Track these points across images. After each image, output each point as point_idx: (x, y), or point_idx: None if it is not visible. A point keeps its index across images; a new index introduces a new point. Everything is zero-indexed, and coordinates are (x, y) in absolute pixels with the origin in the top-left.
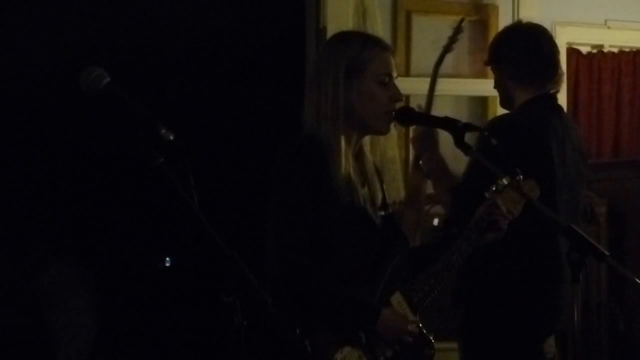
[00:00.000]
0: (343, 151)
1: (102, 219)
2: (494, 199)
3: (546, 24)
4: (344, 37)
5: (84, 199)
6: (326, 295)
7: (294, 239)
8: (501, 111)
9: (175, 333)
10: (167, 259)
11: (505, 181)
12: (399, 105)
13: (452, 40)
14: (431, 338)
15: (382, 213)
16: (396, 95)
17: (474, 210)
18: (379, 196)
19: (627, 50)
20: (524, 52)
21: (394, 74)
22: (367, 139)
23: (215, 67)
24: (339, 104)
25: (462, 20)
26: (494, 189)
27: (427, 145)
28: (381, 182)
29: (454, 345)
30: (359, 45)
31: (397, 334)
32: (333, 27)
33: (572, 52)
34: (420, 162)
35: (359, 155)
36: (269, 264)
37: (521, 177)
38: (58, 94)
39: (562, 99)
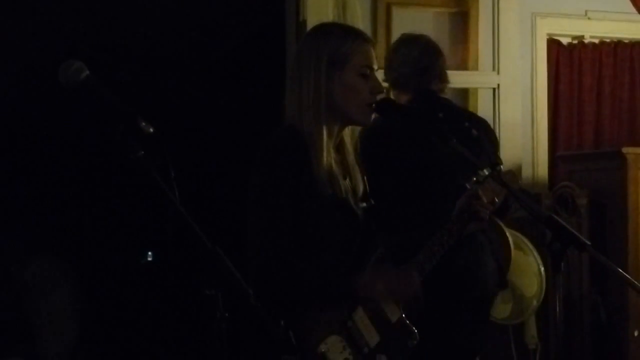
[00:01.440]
0: (325, 143)
1: (83, 214)
2: (475, 190)
3: (526, 15)
4: (325, 29)
5: (64, 193)
6: (304, 286)
7: (272, 232)
8: (483, 103)
9: (157, 327)
10: (149, 253)
11: (486, 172)
12: (379, 97)
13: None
14: (414, 329)
15: (364, 204)
16: (377, 87)
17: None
18: (361, 188)
19: (607, 41)
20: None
21: (375, 67)
22: (347, 131)
23: (195, 60)
24: (320, 96)
25: None
26: (475, 179)
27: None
28: (362, 174)
29: None
30: (341, 37)
31: (384, 285)
32: (313, 20)
33: (553, 43)
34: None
35: (340, 147)
36: (249, 256)
37: (501, 167)
38: (36, 88)
39: (543, 90)
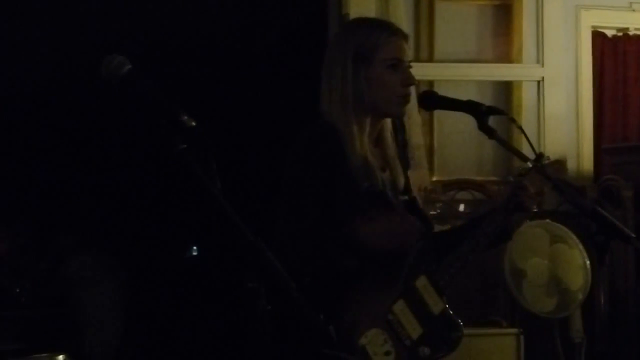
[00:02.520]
0: (356, 136)
1: (127, 209)
2: (521, 181)
3: (570, 7)
4: (353, 24)
5: (107, 189)
6: (338, 280)
7: (306, 227)
8: (527, 96)
9: (200, 321)
10: (193, 247)
11: (529, 164)
12: (410, 89)
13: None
14: (459, 321)
15: (405, 197)
16: (408, 79)
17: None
18: (401, 181)
19: None
20: None
21: (405, 59)
22: (388, 124)
23: (237, 55)
24: (347, 91)
25: None
26: (518, 172)
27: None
28: (404, 167)
29: (481, 330)
30: (367, 31)
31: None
32: (355, 13)
33: (597, 35)
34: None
35: (379, 141)
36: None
37: (547, 159)
38: (79, 83)
39: (588, 82)
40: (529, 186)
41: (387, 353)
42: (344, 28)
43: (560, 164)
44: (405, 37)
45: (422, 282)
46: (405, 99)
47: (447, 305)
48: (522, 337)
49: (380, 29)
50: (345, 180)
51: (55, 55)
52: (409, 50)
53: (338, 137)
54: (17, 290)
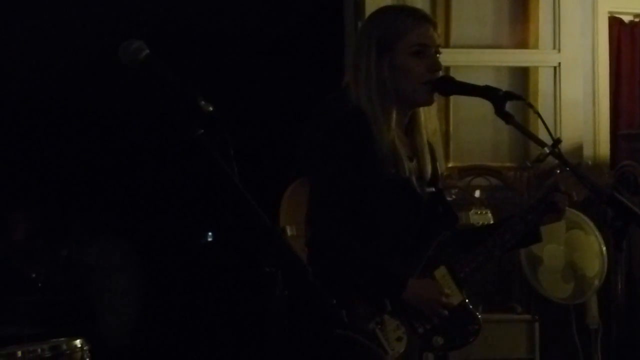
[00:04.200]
0: (382, 124)
1: (144, 195)
2: (555, 181)
3: None
4: (378, 12)
5: (125, 175)
6: (356, 264)
7: (330, 211)
8: (544, 82)
9: (217, 307)
10: (209, 233)
11: (547, 150)
12: (437, 75)
13: None
14: (477, 314)
15: (432, 188)
16: (433, 65)
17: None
18: (429, 171)
19: None
20: None
21: (432, 44)
22: (420, 114)
23: (253, 40)
24: (371, 81)
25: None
26: (535, 158)
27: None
28: (433, 158)
29: (495, 316)
30: (390, 20)
31: (428, 304)
32: (371, 0)
33: (614, 21)
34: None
35: (410, 130)
36: (308, 233)
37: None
38: (96, 68)
39: (604, 68)
40: (563, 187)
41: (398, 339)
42: (370, 17)
43: (599, 169)
44: (431, 22)
45: (441, 273)
46: (432, 85)
47: (466, 298)
48: (536, 323)
49: (404, 16)
50: (371, 164)
51: (73, 40)
52: (437, 36)
53: (365, 122)
54: (33, 276)
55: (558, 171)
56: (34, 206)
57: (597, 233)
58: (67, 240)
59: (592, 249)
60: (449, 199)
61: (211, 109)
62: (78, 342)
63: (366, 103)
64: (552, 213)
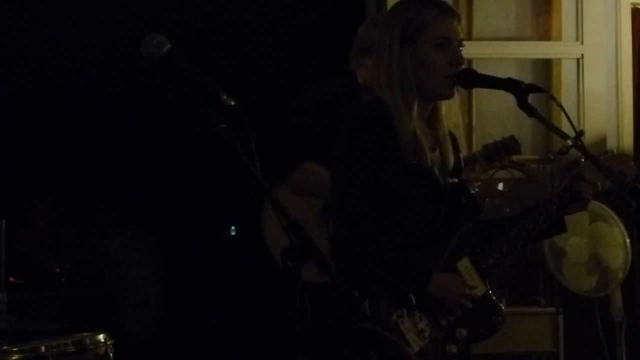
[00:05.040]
0: (403, 116)
1: (167, 189)
2: (579, 169)
3: None
4: (401, 4)
5: (148, 168)
6: (380, 257)
7: (353, 202)
8: (567, 73)
9: (239, 301)
10: (232, 227)
11: (570, 142)
12: (459, 68)
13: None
14: (501, 305)
15: (455, 180)
16: (456, 58)
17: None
18: (451, 162)
19: None
20: None
21: (455, 37)
22: (441, 105)
23: (275, 33)
24: (392, 73)
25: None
26: (559, 150)
27: None
28: (456, 149)
29: (519, 309)
30: (414, 12)
31: (452, 298)
32: None
33: (637, 12)
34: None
35: (431, 121)
36: (332, 223)
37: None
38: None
39: (628, 60)
40: (587, 176)
41: (421, 331)
42: (393, 8)
43: (624, 157)
44: (455, 15)
45: (464, 264)
46: (454, 79)
47: (489, 289)
48: (560, 316)
49: (428, 8)
50: (393, 155)
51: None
52: (460, 29)
53: (387, 113)
54: (57, 271)
55: (583, 160)
56: (58, 197)
57: (620, 225)
58: (91, 234)
59: (616, 241)
60: (472, 191)
61: (233, 103)
62: (101, 337)
63: (388, 94)
64: (577, 203)
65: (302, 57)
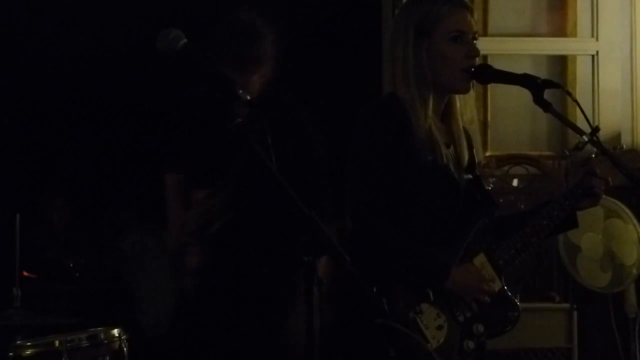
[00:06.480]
0: (419, 111)
1: None
2: (592, 166)
3: None
4: (414, 0)
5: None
6: (397, 253)
7: (369, 198)
8: (582, 70)
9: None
10: None
11: (585, 138)
12: (476, 62)
13: None
14: (516, 301)
15: (470, 175)
16: (472, 51)
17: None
18: (466, 157)
19: None
20: None
21: (469, 30)
22: (456, 100)
23: (290, 32)
24: (408, 67)
25: None
26: (574, 146)
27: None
28: (470, 145)
29: (534, 305)
30: (428, 6)
31: (470, 292)
32: None
33: None
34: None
35: (445, 117)
36: (348, 218)
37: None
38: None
39: None
40: (599, 171)
41: (439, 327)
42: (407, 3)
43: (635, 153)
44: (468, 8)
45: (480, 260)
46: (470, 72)
47: (504, 285)
48: (575, 312)
49: (441, 2)
50: (408, 152)
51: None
52: (474, 22)
53: (403, 109)
54: (71, 265)
55: (593, 156)
56: (73, 193)
57: (635, 221)
58: (106, 229)
59: (631, 238)
60: (487, 187)
61: (249, 97)
62: (116, 332)
63: (403, 89)
64: (589, 198)
65: (318, 54)
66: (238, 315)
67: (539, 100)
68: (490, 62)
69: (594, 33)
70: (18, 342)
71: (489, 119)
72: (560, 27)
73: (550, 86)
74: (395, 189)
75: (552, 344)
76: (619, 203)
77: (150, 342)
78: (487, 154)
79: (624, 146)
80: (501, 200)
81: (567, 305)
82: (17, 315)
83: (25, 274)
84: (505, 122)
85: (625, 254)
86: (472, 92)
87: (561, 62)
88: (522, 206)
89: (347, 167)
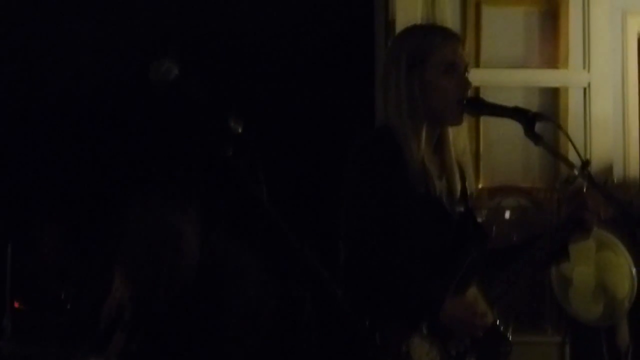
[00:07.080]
0: (411, 143)
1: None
2: (584, 199)
3: (616, 13)
4: (408, 30)
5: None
6: (390, 285)
7: (362, 232)
8: (574, 101)
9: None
10: None
11: (575, 172)
12: (467, 93)
13: None
14: (508, 335)
15: (462, 207)
16: (463, 83)
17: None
18: (458, 190)
19: None
20: None
21: (461, 62)
22: (448, 132)
23: (283, 60)
24: (401, 98)
25: None
26: (565, 179)
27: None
28: (462, 177)
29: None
30: (421, 36)
31: (464, 326)
32: (402, 19)
33: None
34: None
35: (438, 148)
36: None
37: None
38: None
39: (634, 88)
40: (590, 204)
41: None
42: (398, 35)
43: (627, 185)
44: (460, 40)
45: (472, 293)
46: (462, 104)
47: (497, 319)
48: (567, 346)
49: (434, 33)
50: (401, 184)
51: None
52: (465, 54)
53: (395, 141)
54: (62, 297)
55: (584, 189)
56: (66, 224)
57: (627, 254)
58: (98, 260)
59: (623, 270)
60: (479, 219)
61: (240, 130)
62: None
63: (396, 120)
64: (580, 231)
65: (311, 83)
66: None
67: (530, 133)
68: (482, 93)
69: (586, 65)
70: None
71: (481, 150)
72: (552, 58)
73: (541, 119)
74: (388, 221)
75: None
76: (611, 235)
77: None
78: (480, 185)
79: (615, 180)
80: (493, 232)
81: (559, 339)
82: (7, 347)
83: (16, 305)
84: (498, 153)
85: (617, 287)
86: (464, 124)
87: (553, 94)
88: (514, 238)
89: (340, 200)
